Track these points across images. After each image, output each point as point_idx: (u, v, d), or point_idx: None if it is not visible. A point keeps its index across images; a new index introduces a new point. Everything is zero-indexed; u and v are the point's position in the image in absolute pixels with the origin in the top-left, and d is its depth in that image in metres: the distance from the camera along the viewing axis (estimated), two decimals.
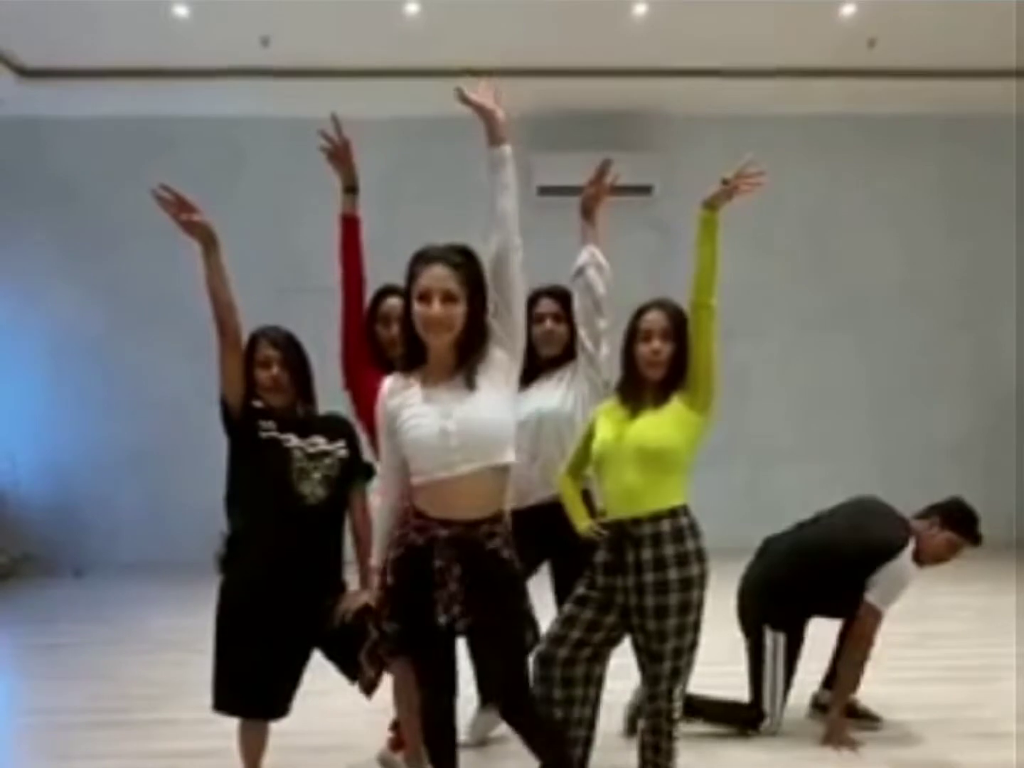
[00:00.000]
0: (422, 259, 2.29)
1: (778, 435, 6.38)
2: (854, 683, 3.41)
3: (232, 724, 2.90)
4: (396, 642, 2.38)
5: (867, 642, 3.34)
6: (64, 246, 6.36)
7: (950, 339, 6.69)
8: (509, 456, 2.30)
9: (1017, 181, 6.71)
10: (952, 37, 5.34)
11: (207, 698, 2.92)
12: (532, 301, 3.07)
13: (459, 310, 2.23)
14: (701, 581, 2.61)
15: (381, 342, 3.01)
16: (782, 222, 6.61)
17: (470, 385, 2.24)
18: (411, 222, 6.46)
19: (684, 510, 2.65)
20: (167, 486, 6.28)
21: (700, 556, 2.62)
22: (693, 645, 2.64)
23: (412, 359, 2.34)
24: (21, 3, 4.79)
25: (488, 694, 3.08)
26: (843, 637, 3.56)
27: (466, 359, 2.27)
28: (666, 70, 5.77)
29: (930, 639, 4.50)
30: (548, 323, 3.11)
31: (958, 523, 3.42)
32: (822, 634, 3.58)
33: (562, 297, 3.14)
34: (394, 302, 2.94)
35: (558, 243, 6.24)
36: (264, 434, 2.69)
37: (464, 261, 2.27)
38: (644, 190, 6.26)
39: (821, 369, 6.43)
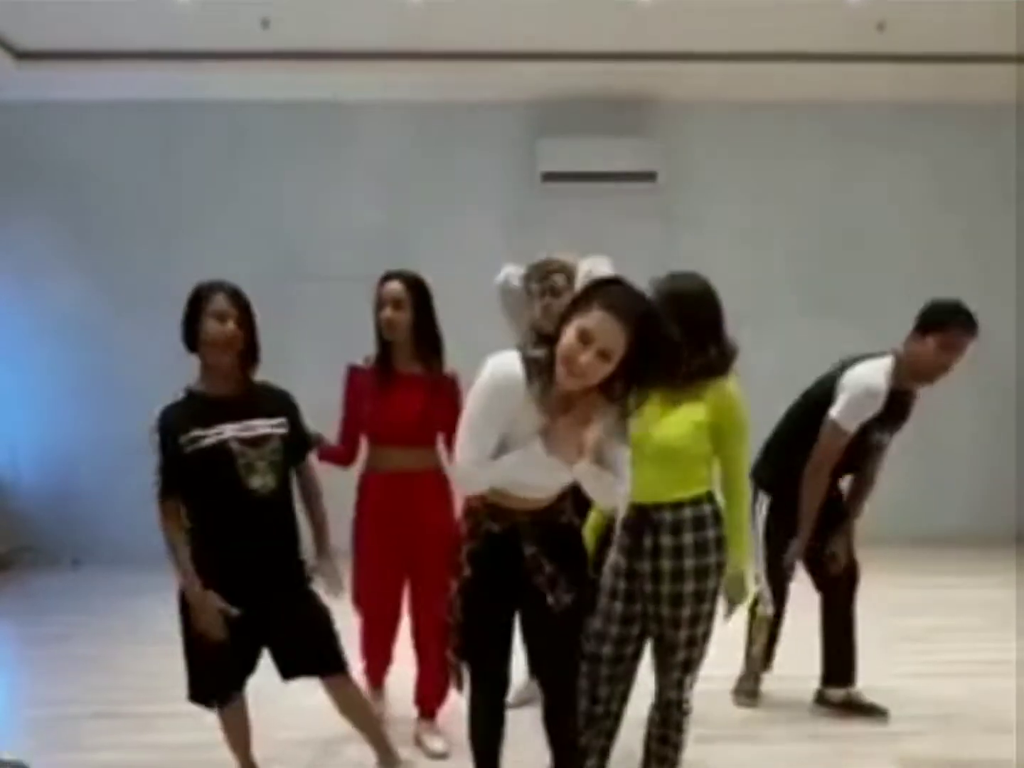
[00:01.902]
0: (607, 297, 2.06)
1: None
2: (810, 504, 3.30)
3: None
4: (475, 632, 2.40)
5: (821, 454, 3.26)
6: (65, 232, 6.28)
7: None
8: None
9: (1018, 166, 6.62)
10: (965, 21, 5.23)
11: None
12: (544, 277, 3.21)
13: (609, 369, 2.07)
14: (718, 570, 2.58)
15: (377, 322, 3.12)
16: (787, 210, 6.53)
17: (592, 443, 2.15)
18: (414, 205, 6.42)
19: (708, 497, 2.61)
20: None
21: (719, 545, 2.58)
22: (706, 635, 2.61)
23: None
24: None
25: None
26: (824, 620, 3.53)
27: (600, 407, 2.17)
28: (671, 54, 5.68)
29: (935, 634, 4.46)
30: (546, 298, 3.16)
31: (934, 320, 3.16)
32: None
33: (569, 273, 3.21)
34: (391, 286, 3.08)
35: (562, 229, 6.24)
36: (191, 448, 2.55)
37: (641, 326, 2.06)
38: (648, 176, 6.19)
39: (826, 362, 6.34)
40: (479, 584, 2.35)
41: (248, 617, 2.61)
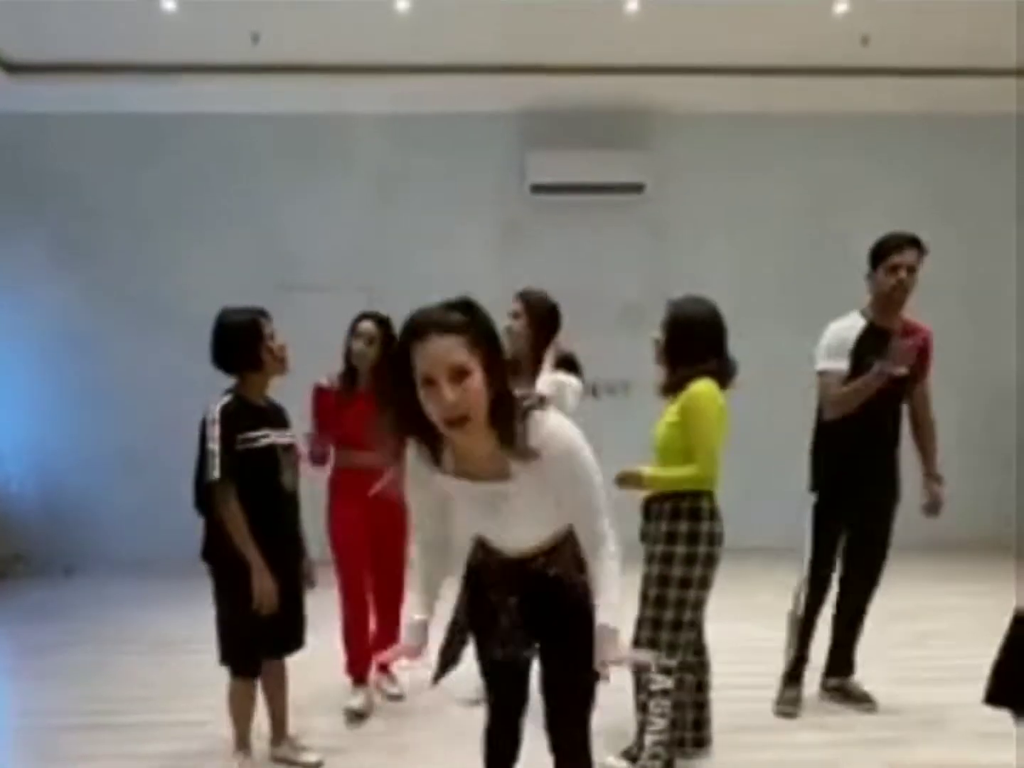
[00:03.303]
0: (414, 334, 1.78)
1: (776, 432, 6.37)
2: (853, 396, 3.42)
3: (224, 725, 2.91)
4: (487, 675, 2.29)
5: (820, 400, 3.56)
6: (57, 243, 6.30)
7: (949, 337, 6.65)
8: (556, 530, 2.08)
9: (1017, 179, 6.70)
10: (946, 34, 5.33)
11: (202, 699, 2.95)
12: None
13: (479, 382, 1.78)
14: (687, 560, 2.80)
15: (350, 352, 3.70)
16: (775, 221, 6.60)
17: (518, 460, 1.87)
18: (404, 216, 6.46)
19: (692, 495, 2.84)
20: (158, 484, 6.23)
21: (692, 539, 2.81)
22: (675, 622, 2.81)
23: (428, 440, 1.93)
24: None
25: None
26: (837, 612, 3.66)
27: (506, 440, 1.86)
28: (659, 67, 5.75)
29: (929, 639, 4.48)
30: (505, 320, 3.42)
31: (873, 257, 3.52)
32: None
33: (524, 300, 3.51)
34: (365, 325, 3.68)
35: (551, 240, 6.29)
36: (243, 447, 2.91)
37: (467, 319, 1.80)
38: (636, 188, 6.25)
39: (812, 371, 6.38)
40: (473, 608, 2.24)
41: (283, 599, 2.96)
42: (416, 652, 2.09)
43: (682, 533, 2.80)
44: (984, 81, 5.91)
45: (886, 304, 3.47)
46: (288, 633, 3.11)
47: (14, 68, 5.55)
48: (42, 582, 5.98)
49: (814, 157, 6.56)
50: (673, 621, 2.80)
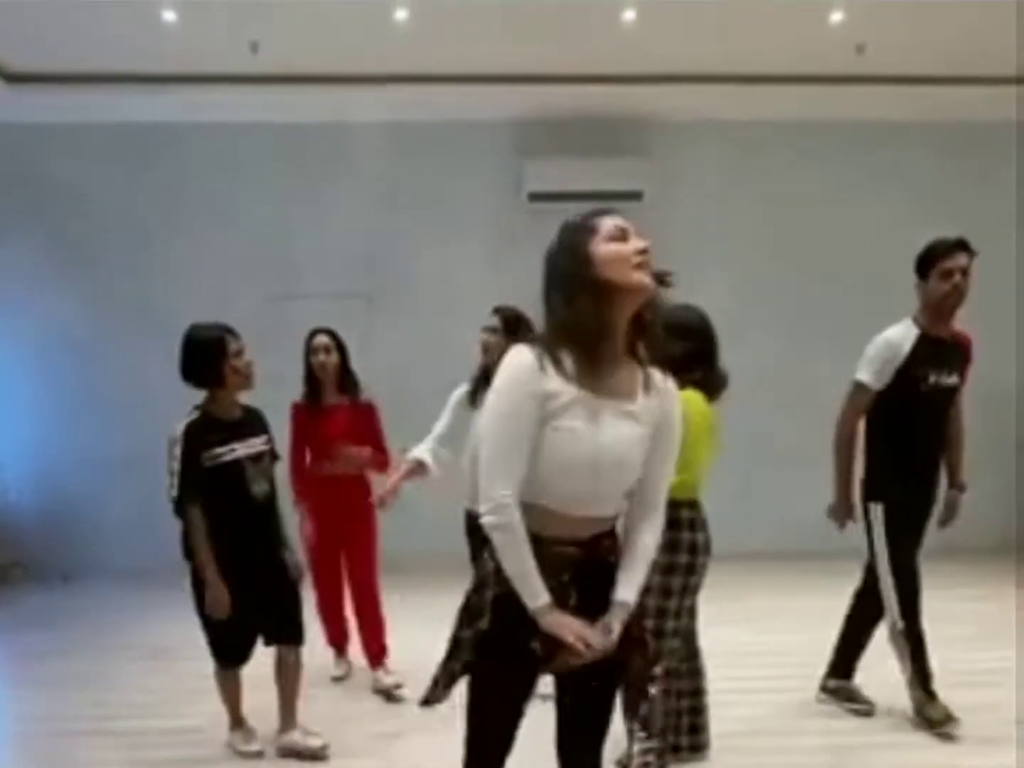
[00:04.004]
0: (597, 213, 1.94)
1: (773, 438, 6.39)
2: (838, 463, 3.52)
3: (222, 731, 2.90)
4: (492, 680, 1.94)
5: (843, 413, 3.50)
6: (55, 253, 6.32)
7: None
8: (625, 503, 1.99)
9: (1017, 187, 6.73)
10: (943, 42, 5.36)
11: (201, 705, 2.95)
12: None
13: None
14: (667, 569, 2.81)
15: (312, 368, 3.94)
16: (773, 229, 6.62)
17: (641, 389, 1.87)
18: (402, 224, 6.48)
19: (672, 505, 2.75)
20: (156, 491, 6.14)
21: (672, 548, 2.80)
22: (657, 630, 2.80)
23: (596, 336, 1.83)
24: (6, 7, 4.76)
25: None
26: (849, 618, 3.71)
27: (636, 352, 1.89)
28: (655, 76, 5.77)
29: (929, 643, 4.46)
30: (482, 335, 3.64)
31: (924, 260, 3.41)
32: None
33: (501, 315, 3.64)
34: (321, 339, 3.93)
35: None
36: (210, 463, 3.04)
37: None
38: (634, 196, 6.27)
39: (817, 372, 6.37)
40: (498, 640, 1.87)
41: (249, 596, 3.11)
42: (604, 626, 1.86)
43: (662, 543, 2.78)
44: (982, 89, 5.93)
45: (939, 311, 3.40)
46: (280, 624, 3.27)
47: (14, 78, 5.56)
48: (40, 589, 5.99)
49: (811, 165, 6.58)
50: (655, 629, 2.78)
